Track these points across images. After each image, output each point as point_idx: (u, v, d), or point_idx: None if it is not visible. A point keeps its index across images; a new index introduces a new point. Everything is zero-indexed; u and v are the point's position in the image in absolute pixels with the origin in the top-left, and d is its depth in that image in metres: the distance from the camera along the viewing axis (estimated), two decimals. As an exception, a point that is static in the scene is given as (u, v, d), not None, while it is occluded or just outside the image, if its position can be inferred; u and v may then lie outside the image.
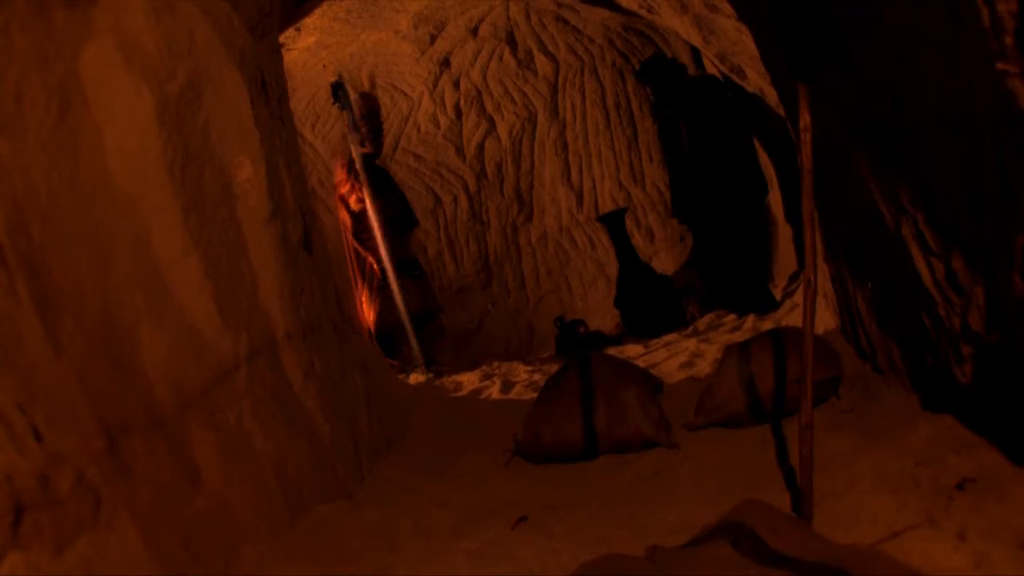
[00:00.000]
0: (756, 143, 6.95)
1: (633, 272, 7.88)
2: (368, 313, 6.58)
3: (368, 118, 6.70)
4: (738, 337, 5.30)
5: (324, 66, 7.60)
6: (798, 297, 5.67)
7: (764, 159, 6.80)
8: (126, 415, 2.17)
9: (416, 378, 6.33)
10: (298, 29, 7.00)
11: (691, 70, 7.72)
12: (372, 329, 6.58)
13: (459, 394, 5.72)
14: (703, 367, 4.93)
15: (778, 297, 6.52)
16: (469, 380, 6.19)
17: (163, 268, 2.56)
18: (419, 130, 8.53)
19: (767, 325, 5.34)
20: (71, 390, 1.95)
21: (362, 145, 6.52)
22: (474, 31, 8.08)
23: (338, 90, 6.59)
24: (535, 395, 4.33)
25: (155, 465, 2.23)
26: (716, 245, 7.90)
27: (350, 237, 6.62)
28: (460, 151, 8.65)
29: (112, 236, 2.31)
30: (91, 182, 2.25)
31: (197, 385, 2.59)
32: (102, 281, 2.22)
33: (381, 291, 6.61)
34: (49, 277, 1.98)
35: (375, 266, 6.63)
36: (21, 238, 1.92)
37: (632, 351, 6.05)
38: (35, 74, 2.09)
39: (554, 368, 5.06)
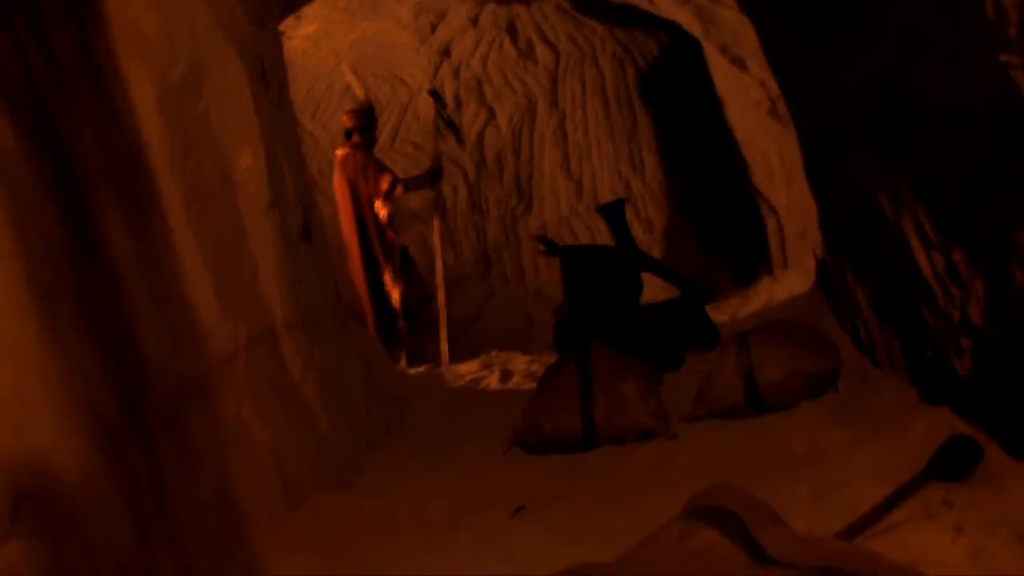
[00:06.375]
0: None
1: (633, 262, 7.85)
2: (393, 292, 6.76)
3: (365, 114, 6.82)
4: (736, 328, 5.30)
5: (336, 55, 7.68)
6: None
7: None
8: (125, 404, 2.16)
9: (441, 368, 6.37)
10: (299, 17, 6.97)
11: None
12: (397, 307, 6.77)
13: (458, 384, 5.72)
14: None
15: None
16: (468, 370, 6.19)
17: (162, 256, 2.56)
18: (419, 119, 8.51)
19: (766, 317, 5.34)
20: (70, 379, 1.95)
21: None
22: (474, 20, 8.06)
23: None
24: (534, 385, 4.33)
25: (153, 454, 2.23)
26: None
27: (378, 223, 6.78)
28: (459, 141, 8.63)
29: (108, 223, 2.30)
30: (88, 172, 2.25)
31: (196, 374, 2.59)
32: (102, 268, 2.22)
33: (403, 272, 6.80)
34: (36, 263, 1.98)
35: (397, 249, 6.82)
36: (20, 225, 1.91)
37: (631, 341, 6.03)
38: (34, 61, 2.08)
39: (553, 358, 5.05)
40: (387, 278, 6.78)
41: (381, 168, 6.74)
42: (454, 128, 6.92)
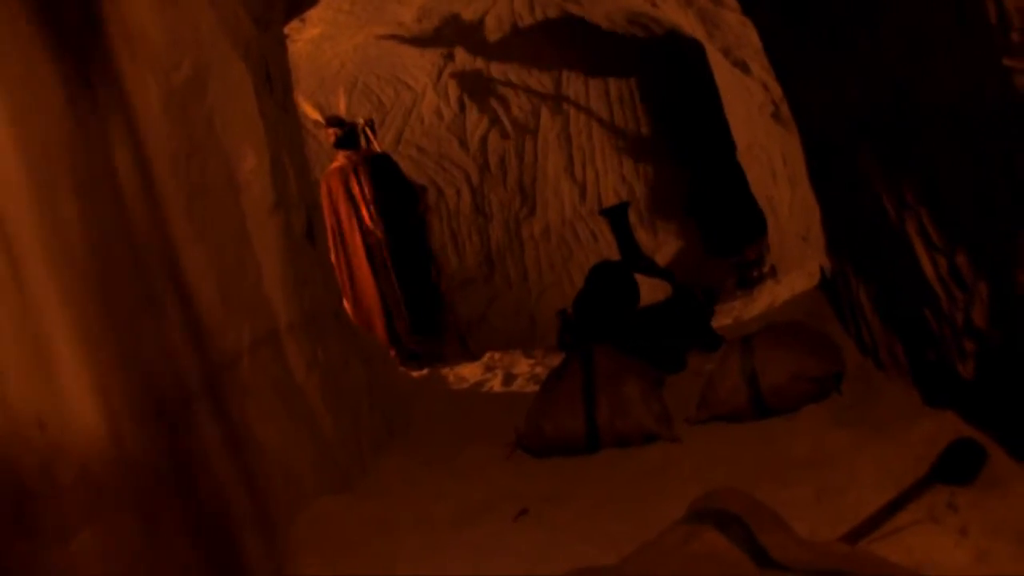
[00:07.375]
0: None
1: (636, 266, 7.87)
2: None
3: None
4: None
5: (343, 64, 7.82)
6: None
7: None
8: (128, 405, 2.17)
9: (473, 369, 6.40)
10: (303, 20, 6.99)
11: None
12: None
13: (461, 387, 5.72)
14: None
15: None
16: (471, 372, 6.19)
17: (166, 257, 2.56)
18: (423, 122, 8.52)
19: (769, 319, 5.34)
20: (75, 379, 1.96)
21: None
22: (479, 23, 8.07)
23: (372, 130, 7.17)
24: (537, 388, 4.33)
25: (157, 456, 2.23)
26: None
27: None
28: (463, 144, 8.64)
29: (115, 225, 2.31)
30: (99, 173, 2.25)
31: (199, 376, 2.60)
32: (108, 271, 2.22)
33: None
34: (55, 269, 1.99)
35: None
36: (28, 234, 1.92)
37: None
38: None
39: (556, 360, 5.05)
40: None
41: None
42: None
